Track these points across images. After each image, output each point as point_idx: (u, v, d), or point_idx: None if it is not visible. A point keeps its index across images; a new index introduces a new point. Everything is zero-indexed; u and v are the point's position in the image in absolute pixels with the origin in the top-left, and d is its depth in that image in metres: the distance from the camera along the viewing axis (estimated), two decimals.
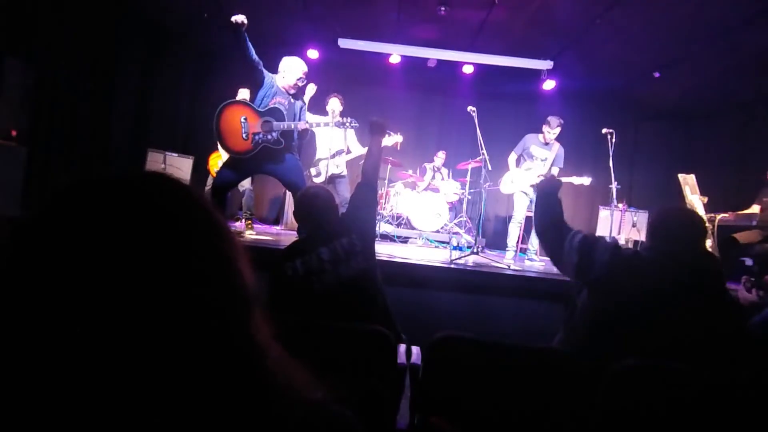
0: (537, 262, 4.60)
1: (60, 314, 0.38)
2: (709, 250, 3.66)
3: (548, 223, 1.70)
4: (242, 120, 3.24)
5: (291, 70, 3.37)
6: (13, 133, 3.80)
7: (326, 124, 3.63)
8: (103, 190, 0.43)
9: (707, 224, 3.76)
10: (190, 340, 0.41)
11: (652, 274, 1.43)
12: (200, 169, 5.09)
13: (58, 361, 0.38)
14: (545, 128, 4.51)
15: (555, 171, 4.59)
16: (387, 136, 4.39)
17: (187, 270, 0.42)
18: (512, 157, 4.71)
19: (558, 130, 4.48)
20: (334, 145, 4.48)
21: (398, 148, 4.68)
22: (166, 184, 0.47)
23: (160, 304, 0.40)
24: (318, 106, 4.54)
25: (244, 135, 3.24)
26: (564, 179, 4.55)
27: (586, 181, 4.52)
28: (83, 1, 4.67)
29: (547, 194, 1.77)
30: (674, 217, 1.53)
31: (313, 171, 4.66)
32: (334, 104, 4.48)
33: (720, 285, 1.45)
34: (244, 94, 4.63)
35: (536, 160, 4.59)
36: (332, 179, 4.45)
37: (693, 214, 1.61)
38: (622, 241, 4.86)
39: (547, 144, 4.58)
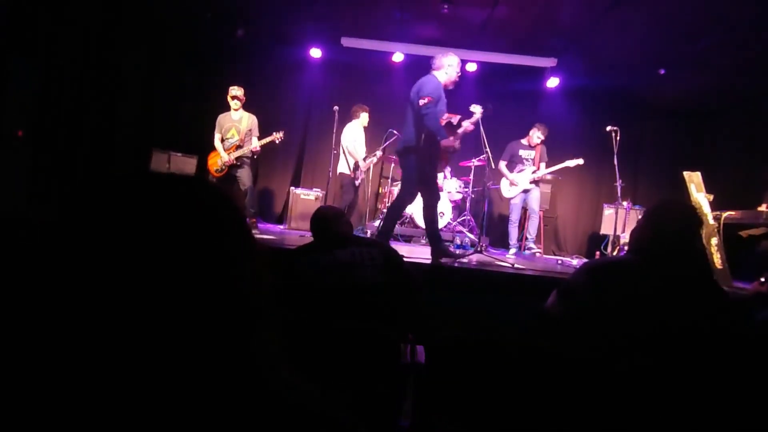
0: (536, 250, 5.16)
1: (91, 307, 0.39)
2: (715, 247, 3.64)
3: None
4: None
5: (455, 64, 3.50)
6: (19, 133, 3.83)
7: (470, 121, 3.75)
8: (145, 188, 0.44)
9: (713, 222, 3.74)
10: (202, 340, 0.42)
11: (639, 274, 1.41)
12: (203, 168, 5.09)
13: (81, 353, 0.38)
14: (533, 132, 5.05)
15: (543, 166, 5.08)
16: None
17: (216, 274, 0.43)
18: (502, 165, 5.18)
19: (543, 137, 5.05)
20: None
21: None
22: (206, 188, 0.48)
23: (181, 297, 0.41)
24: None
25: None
26: (558, 166, 5.04)
27: (579, 161, 5.00)
28: (87, 2, 4.69)
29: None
30: (663, 214, 1.49)
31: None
32: (364, 118, 5.06)
33: (709, 280, 1.44)
34: (234, 92, 4.61)
35: (527, 163, 5.14)
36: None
37: (685, 208, 1.55)
38: (626, 239, 4.84)
39: (531, 147, 5.12)
